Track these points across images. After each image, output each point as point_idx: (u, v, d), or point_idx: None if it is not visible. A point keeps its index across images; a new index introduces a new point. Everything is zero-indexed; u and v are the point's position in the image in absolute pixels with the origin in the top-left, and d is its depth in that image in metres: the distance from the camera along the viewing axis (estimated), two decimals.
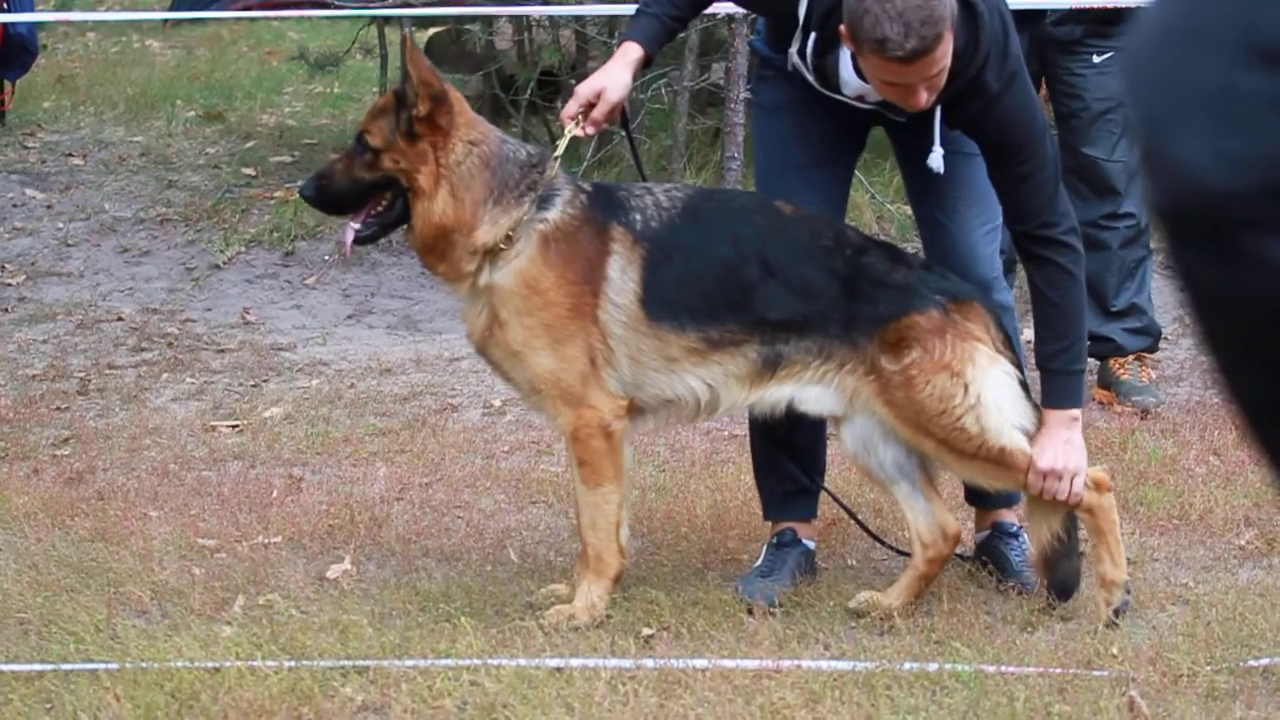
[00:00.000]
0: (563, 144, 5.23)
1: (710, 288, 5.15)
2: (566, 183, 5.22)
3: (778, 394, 5.16)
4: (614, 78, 5.23)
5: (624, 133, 6.01)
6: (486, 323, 5.18)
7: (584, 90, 5.24)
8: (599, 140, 9.66)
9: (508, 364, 5.21)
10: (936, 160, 5.16)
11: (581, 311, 5.10)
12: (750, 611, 5.16)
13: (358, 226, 5.25)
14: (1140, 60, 1.54)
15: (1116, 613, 5.05)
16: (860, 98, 5.21)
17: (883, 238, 9.17)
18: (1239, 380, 1.56)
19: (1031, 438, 5.11)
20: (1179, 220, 1.51)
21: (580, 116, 5.21)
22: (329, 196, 5.29)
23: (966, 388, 5.05)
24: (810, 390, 5.15)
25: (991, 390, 5.08)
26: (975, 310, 5.13)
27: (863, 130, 5.51)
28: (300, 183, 5.51)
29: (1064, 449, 5.09)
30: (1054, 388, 5.19)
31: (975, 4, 4.97)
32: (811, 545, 5.55)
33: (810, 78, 5.23)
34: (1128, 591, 5.11)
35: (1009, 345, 5.19)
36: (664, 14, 5.31)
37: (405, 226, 5.23)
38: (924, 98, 4.96)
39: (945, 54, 4.87)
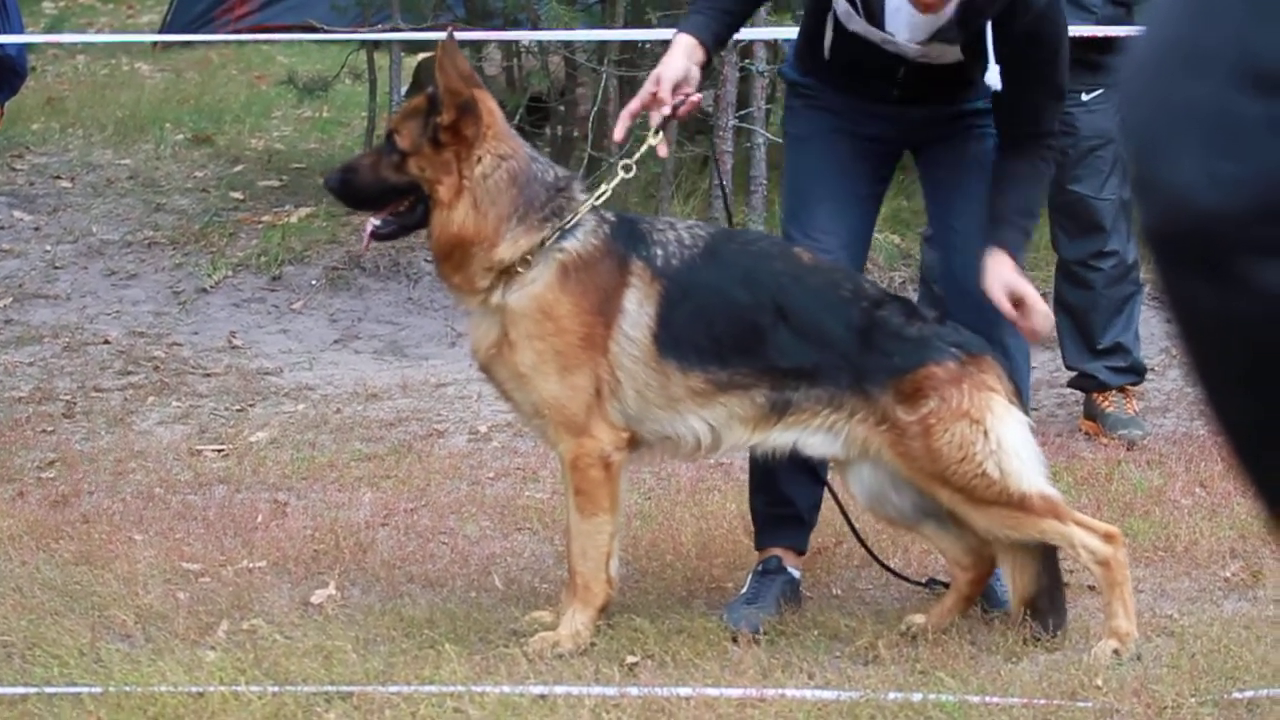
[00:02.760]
0: (634, 156, 5.29)
1: (721, 330, 5.14)
2: (590, 212, 5.19)
3: (782, 439, 5.16)
4: (668, 66, 5.17)
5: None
6: (494, 340, 5.16)
7: (645, 88, 5.19)
8: (587, 168, 9.66)
9: (512, 385, 5.21)
10: (993, 77, 5.13)
11: (593, 342, 5.09)
12: (735, 640, 5.15)
13: (377, 223, 5.28)
14: (1135, 84, 1.54)
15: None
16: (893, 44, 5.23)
17: (872, 269, 9.18)
18: (1227, 408, 1.56)
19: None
20: (1170, 243, 1.50)
21: (658, 129, 5.20)
22: (352, 191, 5.32)
23: (986, 434, 5.07)
24: (815, 437, 5.14)
25: (1010, 436, 5.10)
26: (988, 363, 5.14)
27: (891, 160, 5.56)
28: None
29: (1019, 275, 5.14)
30: (1012, 237, 5.22)
31: None
32: (796, 574, 5.54)
33: (859, 16, 5.21)
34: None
35: (1019, 397, 5.21)
36: (711, 6, 5.27)
37: (427, 231, 5.24)
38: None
39: None
